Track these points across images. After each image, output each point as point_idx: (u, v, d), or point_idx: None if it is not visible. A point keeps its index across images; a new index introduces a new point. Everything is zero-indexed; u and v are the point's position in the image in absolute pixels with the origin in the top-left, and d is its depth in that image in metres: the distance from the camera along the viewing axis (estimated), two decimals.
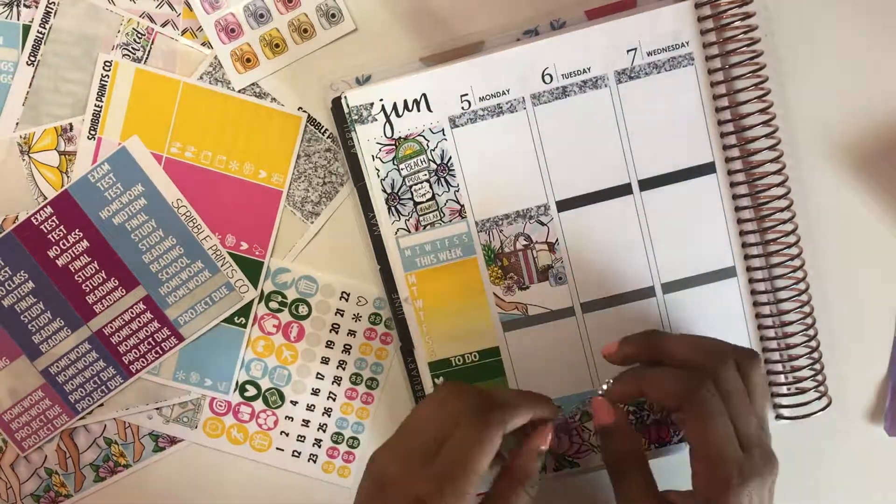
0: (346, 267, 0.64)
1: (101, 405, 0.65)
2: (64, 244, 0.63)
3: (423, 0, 0.61)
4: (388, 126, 0.58)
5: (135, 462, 0.66)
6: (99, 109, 0.62)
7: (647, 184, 0.59)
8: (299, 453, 0.66)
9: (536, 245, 0.59)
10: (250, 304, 0.64)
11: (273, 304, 0.64)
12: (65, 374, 0.64)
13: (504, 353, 0.61)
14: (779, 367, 0.60)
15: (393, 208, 0.59)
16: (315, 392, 0.65)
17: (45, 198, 0.63)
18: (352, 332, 0.64)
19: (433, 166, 0.59)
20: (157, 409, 0.65)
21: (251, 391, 0.65)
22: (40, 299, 0.63)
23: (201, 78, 0.62)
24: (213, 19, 0.61)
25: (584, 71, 0.57)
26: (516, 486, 0.52)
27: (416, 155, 0.59)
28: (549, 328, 0.60)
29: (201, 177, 0.63)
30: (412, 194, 0.59)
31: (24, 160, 0.63)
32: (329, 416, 0.65)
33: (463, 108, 0.58)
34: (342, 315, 0.64)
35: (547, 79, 0.58)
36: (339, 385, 0.65)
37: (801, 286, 0.59)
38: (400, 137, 0.58)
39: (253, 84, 0.62)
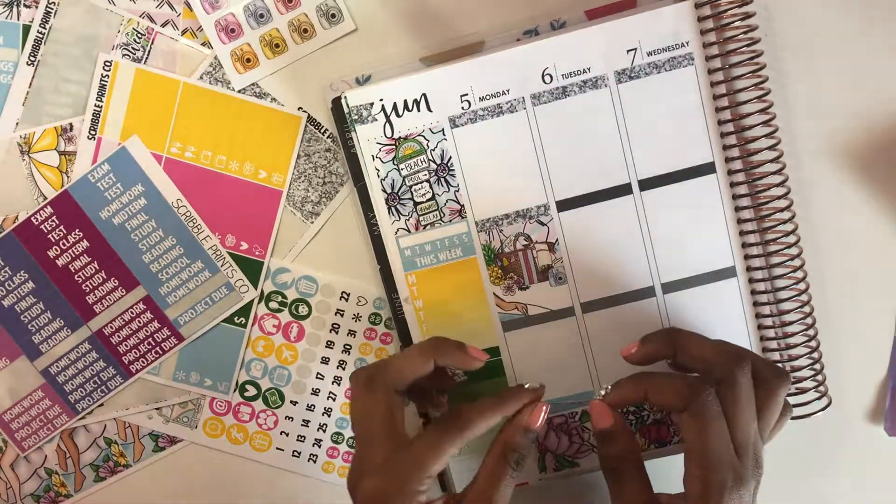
0: (346, 267, 0.64)
1: (101, 405, 0.65)
2: (64, 244, 0.63)
3: (423, 0, 0.61)
4: (388, 126, 0.58)
5: (135, 462, 0.66)
6: (99, 109, 0.62)
7: (647, 184, 0.59)
8: (299, 453, 0.66)
9: (536, 245, 0.59)
10: (250, 304, 0.64)
11: (273, 304, 0.64)
12: (65, 374, 0.64)
13: (504, 353, 0.61)
14: None
15: (393, 208, 0.59)
16: (315, 392, 0.65)
17: (45, 198, 0.63)
18: (352, 332, 0.64)
19: (433, 166, 0.59)
20: (157, 409, 0.65)
21: (251, 391, 0.65)
22: (40, 299, 0.63)
23: (201, 78, 0.62)
24: (213, 19, 0.61)
25: (584, 71, 0.57)
26: (499, 457, 0.53)
27: (416, 155, 0.59)
28: (549, 328, 0.60)
29: (201, 177, 0.63)
30: (412, 194, 0.59)
31: (24, 160, 0.63)
32: (329, 416, 0.65)
33: (463, 108, 0.58)
34: (342, 315, 0.64)
35: (547, 79, 0.58)
36: (339, 385, 0.65)
37: (801, 286, 0.59)
38: (400, 137, 0.58)
39: (253, 84, 0.62)
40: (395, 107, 0.58)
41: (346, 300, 0.64)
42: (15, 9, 0.61)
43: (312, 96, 0.62)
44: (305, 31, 0.61)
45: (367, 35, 0.61)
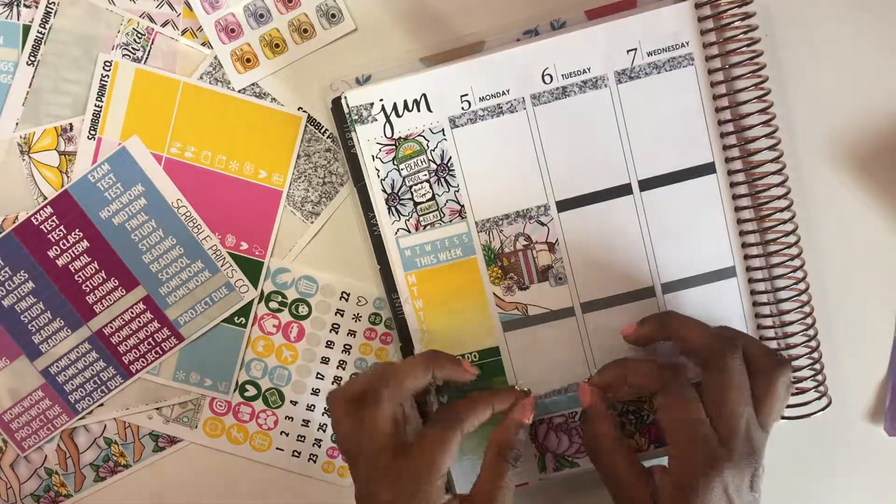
0: (346, 267, 0.64)
1: (101, 405, 0.65)
2: (64, 244, 0.63)
3: (423, 0, 0.61)
4: (388, 126, 0.58)
5: (135, 462, 0.66)
6: (99, 109, 0.62)
7: (647, 184, 0.59)
8: (299, 453, 0.66)
9: (536, 245, 0.59)
10: (250, 304, 0.64)
11: (273, 304, 0.64)
12: (65, 374, 0.64)
13: (504, 353, 0.60)
14: None
15: (393, 208, 0.59)
16: (315, 392, 0.65)
17: (45, 198, 0.63)
18: (352, 332, 0.64)
19: (433, 166, 0.59)
20: (157, 409, 0.65)
21: (251, 391, 0.65)
22: (40, 299, 0.63)
23: (201, 78, 0.62)
24: (213, 19, 0.61)
25: (584, 71, 0.57)
26: (497, 457, 0.55)
27: (416, 155, 0.59)
28: (549, 328, 0.60)
29: (201, 177, 0.63)
30: (412, 194, 0.59)
31: (24, 160, 0.63)
32: (329, 416, 0.65)
33: (463, 108, 0.58)
34: (342, 315, 0.64)
35: (547, 79, 0.58)
36: (339, 385, 0.65)
37: (801, 286, 0.59)
38: (400, 137, 0.58)
39: (253, 84, 0.62)
40: (395, 107, 0.58)
41: (346, 300, 0.64)
42: (15, 9, 0.61)
43: (312, 96, 0.62)
44: (305, 31, 0.61)
45: (367, 35, 0.61)
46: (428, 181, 0.59)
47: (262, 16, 0.61)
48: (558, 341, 0.60)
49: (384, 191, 0.59)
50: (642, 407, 0.61)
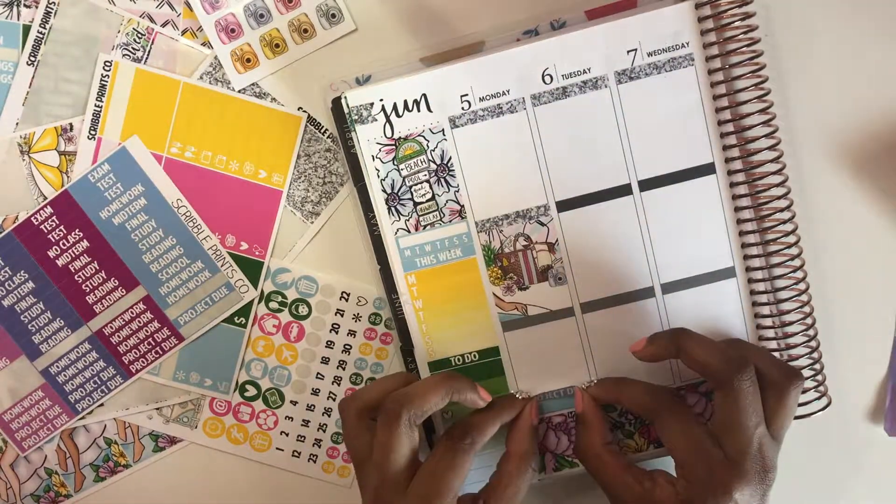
0: (346, 267, 0.64)
1: (101, 405, 0.65)
2: (64, 244, 0.63)
3: (422, 0, 0.61)
4: (388, 126, 0.58)
5: (135, 462, 0.66)
6: (99, 109, 0.62)
7: (647, 184, 0.59)
8: (299, 453, 0.66)
9: (536, 245, 0.59)
10: (250, 304, 0.64)
11: (273, 304, 0.64)
12: (65, 374, 0.64)
13: (504, 353, 0.60)
14: None
15: (393, 208, 0.59)
16: (315, 392, 0.65)
17: (45, 198, 0.63)
18: (352, 332, 0.64)
19: (433, 166, 0.59)
20: (157, 409, 0.65)
21: (251, 391, 0.65)
22: (40, 299, 0.63)
23: (201, 78, 0.62)
24: (213, 19, 0.61)
25: (585, 71, 0.57)
26: (521, 465, 0.57)
27: (416, 155, 0.59)
28: (548, 328, 0.60)
29: (201, 177, 0.63)
30: (412, 194, 0.59)
31: (24, 160, 0.63)
32: (329, 416, 0.65)
33: (463, 108, 0.58)
34: (342, 315, 0.64)
35: (547, 79, 0.58)
36: (339, 385, 0.65)
37: (801, 286, 0.59)
38: (400, 137, 0.58)
39: (253, 84, 0.62)
40: (395, 107, 0.58)
41: (346, 300, 0.64)
42: (15, 9, 0.61)
43: (312, 96, 0.62)
44: (305, 31, 0.61)
45: (367, 35, 0.61)
46: (428, 181, 0.59)
47: (262, 16, 0.61)
48: (558, 341, 0.60)
49: (384, 191, 0.59)
50: None
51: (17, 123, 0.62)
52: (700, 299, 0.60)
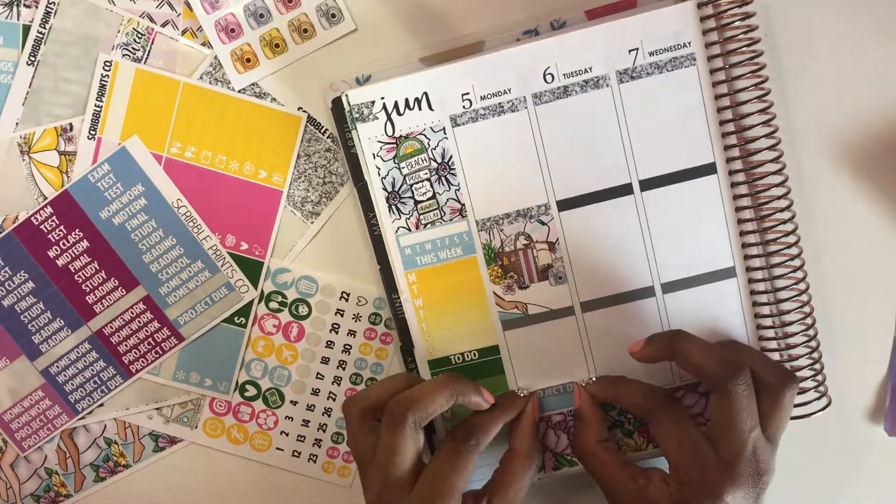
0: (346, 267, 0.64)
1: (101, 405, 0.65)
2: (64, 244, 0.63)
3: (422, 0, 0.61)
4: (388, 124, 0.58)
5: (135, 462, 0.66)
6: (99, 109, 0.62)
7: (648, 184, 0.59)
8: (299, 453, 0.66)
9: (537, 244, 0.59)
10: (250, 304, 0.64)
11: (273, 304, 0.64)
12: (65, 374, 0.64)
13: (504, 352, 0.60)
14: None
15: (393, 207, 0.59)
16: (315, 392, 0.65)
17: (45, 198, 0.63)
18: (352, 332, 0.64)
19: (434, 165, 0.59)
20: (157, 409, 0.65)
21: (251, 391, 0.65)
22: (40, 299, 0.63)
23: (201, 78, 0.62)
24: (213, 19, 0.61)
25: (586, 71, 0.57)
26: (525, 462, 0.58)
27: (417, 153, 0.59)
28: (548, 327, 0.60)
29: (201, 177, 0.63)
30: (413, 193, 0.59)
31: (24, 160, 0.63)
32: (329, 416, 0.65)
33: (464, 106, 0.58)
34: (342, 315, 0.64)
35: (548, 78, 0.58)
36: (339, 385, 0.65)
37: (801, 286, 0.59)
38: (401, 136, 0.58)
39: (253, 84, 0.62)
40: (396, 105, 0.58)
41: (346, 300, 0.64)
42: (15, 9, 0.61)
43: (312, 96, 0.62)
44: (305, 31, 0.61)
45: (367, 35, 0.61)
46: (429, 180, 0.59)
47: (262, 16, 0.61)
48: (558, 340, 0.60)
49: (385, 189, 0.59)
50: None
51: (17, 123, 0.62)
52: (700, 299, 0.60)
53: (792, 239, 0.59)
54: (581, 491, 0.65)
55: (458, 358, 0.61)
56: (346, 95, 0.58)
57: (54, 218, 0.63)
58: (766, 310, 0.60)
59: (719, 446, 0.53)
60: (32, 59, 0.62)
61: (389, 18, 0.61)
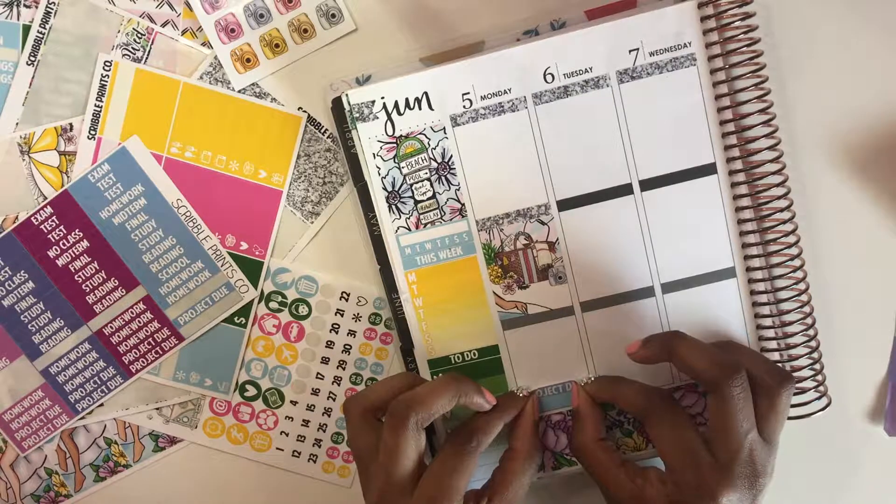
0: (346, 267, 0.64)
1: (101, 405, 0.65)
2: (64, 244, 0.63)
3: (422, 0, 0.61)
4: (389, 124, 0.58)
5: (135, 462, 0.66)
6: (99, 109, 0.62)
7: (648, 184, 0.59)
8: (299, 453, 0.66)
9: (537, 244, 0.59)
10: (250, 304, 0.64)
11: (273, 304, 0.64)
12: (65, 374, 0.64)
13: (503, 352, 0.60)
14: None
15: (393, 206, 0.59)
16: (315, 392, 0.65)
17: (45, 198, 0.63)
18: (352, 332, 0.64)
19: (434, 165, 0.59)
20: (157, 409, 0.65)
21: (251, 391, 0.65)
22: (40, 299, 0.63)
23: (201, 78, 0.62)
24: (213, 19, 0.61)
25: (586, 71, 0.57)
26: (525, 462, 0.57)
27: (418, 153, 0.59)
28: (548, 327, 0.60)
29: (201, 177, 0.63)
30: (413, 192, 0.59)
31: (24, 160, 0.63)
32: (329, 416, 0.65)
33: (464, 106, 0.58)
34: (342, 315, 0.64)
35: (549, 78, 0.58)
36: (339, 385, 0.65)
37: (801, 286, 0.59)
38: (401, 135, 0.58)
39: (253, 84, 0.62)
40: (396, 105, 0.58)
41: (346, 300, 0.64)
42: (15, 9, 0.61)
43: (312, 96, 0.62)
44: (305, 31, 0.61)
45: (367, 35, 0.61)
46: (429, 179, 0.59)
47: (262, 16, 0.61)
48: (557, 340, 0.60)
49: (385, 189, 0.59)
50: None
51: (17, 123, 0.62)
52: (700, 299, 0.60)
53: (792, 239, 0.59)
54: (581, 490, 0.65)
55: (458, 357, 0.61)
56: (346, 95, 0.58)
57: (54, 218, 0.63)
58: (765, 310, 0.60)
59: (715, 448, 0.53)
60: (32, 59, 0.62)
61: (389, 18, 0.61)
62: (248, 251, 0.63)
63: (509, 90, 0.58)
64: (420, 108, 0.58)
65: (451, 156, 0.59)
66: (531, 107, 0.58)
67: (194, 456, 0.66)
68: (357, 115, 0.58)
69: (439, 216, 0.59)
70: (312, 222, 0.63)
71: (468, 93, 0.58)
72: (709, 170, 0.58)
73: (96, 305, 0.63)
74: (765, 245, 0.59)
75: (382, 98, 0.58)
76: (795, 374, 0.60)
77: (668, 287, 0.60)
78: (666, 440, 0.54)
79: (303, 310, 0.64)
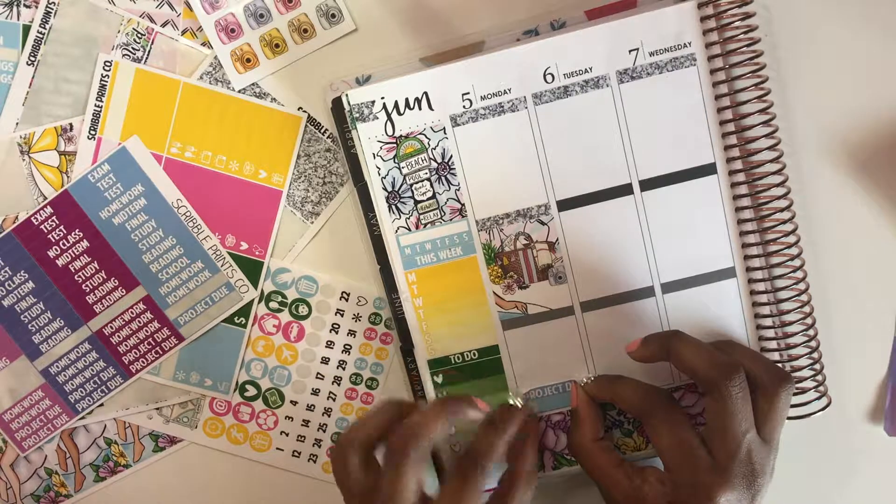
0: (346, 267, 0.64)
1: (101, 405, 0.65)
2: (64, 244, 0.63)
3: (422, 0, 0.61)
4: (389, 124, 0.58)
5: (135, 462, 0.66)
6: (99, 109, 0.62)
7: (648, 184, 0.59)
8: (299, 453, 0.66)
9: (537, 244, 0.60)
10: (250, 304, 0.64)
11: (273, 304, 0.64)
12: (65, 374, 0.64)
13: (503, 352, 0.61)
14: None
15: (393, 206, 0.59)
16: (315, 392, 0.65)
17: (45, 198, 0.63)
18: (352, 332, 0.64)
19: (434, 165, 0.59)
20: (157, 409, 0.65)
21: (251, 391, 0.65)
22: (40, 299, 0.63)
23: (201, 78, 0.62)
24: (213, 19, 0.61)
25: (586, 71, 0.57)
26: (527, 482, 0.55)
27: (417, 153, 0.59)
28: (548, 327, 0.60)
29: (201, 177, 0.63)
30: (413, 192, 0.59)
31: (24, 160, 0.63)
32: (329, 416, 0.65)
33: (464, 106, 0.58)
34: (342, 315, 0.64)
35: (549, 78, 0.58)
36: (339, 385, 0.65)
37: (801, 286, 0.59)
38: (401, 136, 0.58)
39: (253, 84, 0.62)
40: (396, 105, 0.58)
41: (346, 300, 0.64)
42: (15, 9, 0.61)
43: (312, 96, 0.62)
44: (305, 31, 0.61)
45: (367, 35, 0.61)
46: (429, 179, 0.59)
47: (262, 16, 0.61)
48: (557, 340, 0.60)
49: (385, 189, 0.59)
50: None
51: (17, 123, 0.62)
52: (700, 299, 0.60)
53: (792, 239, 0.59)
54: (580, 490, 0.65)
55: (458, 358, 0.61)
56: (346, 95, 0.58)
57: (54, 218, 0.63)
58: (765, 310, 0.60)
59: (713, 448, 0.53)
60: (32, 59, 0.62)
61: (389, 18, 0.61)
62: (248, 251, 0.63)
63: (509, 90, 0.58)
64: (420, 108, 0.58)
65: (451, 156, 0.59)
66: (531, 107, 0.58)
67: (194, 456, 0.66)
68: (357, 115, 0.58)
69: (439, 216, 0.59)
70: (312, 222, 0.63)
71: (468, 93, 0.58)
72: (709, 170, 0.58)
73: (96, 305, 0.63)
74: (765, 245, 0.59)
75: (382, 98, 0.58)
76: (795, 374, 0.60)
77: (668, 287, 0.60)
78: (664, 440, 0.54)
79: (303, 310, 0.64)
